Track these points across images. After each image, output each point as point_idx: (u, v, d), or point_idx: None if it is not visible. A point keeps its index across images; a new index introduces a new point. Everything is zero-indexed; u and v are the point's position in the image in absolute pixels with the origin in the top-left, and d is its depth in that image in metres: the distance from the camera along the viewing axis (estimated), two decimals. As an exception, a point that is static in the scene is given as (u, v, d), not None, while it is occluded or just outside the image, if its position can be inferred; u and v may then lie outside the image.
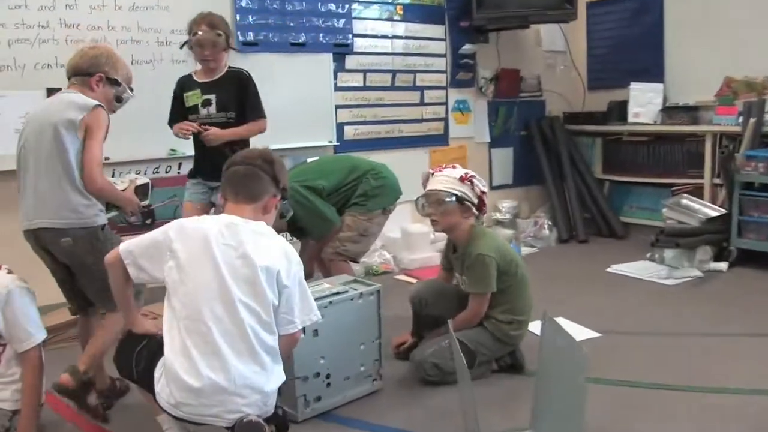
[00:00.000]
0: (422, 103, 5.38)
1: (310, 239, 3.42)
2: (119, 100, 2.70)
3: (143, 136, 4.02)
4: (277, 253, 2.05)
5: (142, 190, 2.79)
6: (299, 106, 4.69)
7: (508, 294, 2.87)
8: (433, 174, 2.91)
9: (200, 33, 3.23)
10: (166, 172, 4.29)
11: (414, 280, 4.55)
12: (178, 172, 4.31)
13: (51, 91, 3.70)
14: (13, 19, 3.67)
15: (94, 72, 2.60)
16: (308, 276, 3.48)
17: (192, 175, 3.49)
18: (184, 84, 3.43)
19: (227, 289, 1.96)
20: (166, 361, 1.95)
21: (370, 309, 2.71)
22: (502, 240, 3.04)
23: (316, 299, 2.52)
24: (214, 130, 3.26)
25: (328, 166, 3.39)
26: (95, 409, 2.58)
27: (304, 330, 2.40)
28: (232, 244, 2.01)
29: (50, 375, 2.49)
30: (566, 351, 1.95)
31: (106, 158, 3.82)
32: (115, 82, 2.65)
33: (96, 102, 2.54)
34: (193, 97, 3.39)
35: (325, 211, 3.24)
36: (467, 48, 5.50)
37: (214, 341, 1.92)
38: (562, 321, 3.44)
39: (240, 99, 3.39)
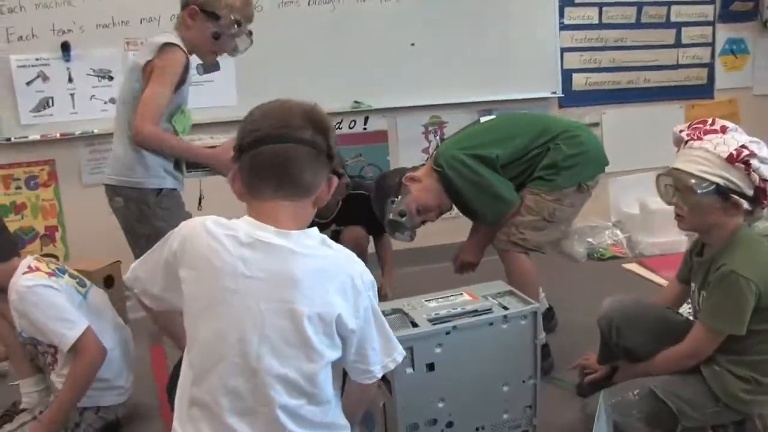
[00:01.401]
0: (678, 45, 4.30)
1: (480, 223, 2.67)
2: (217, 36, 2.26)
3: (321, 86, 3.59)
4: (334, 285, 1.33)
5: None
6: (514, 49, 3.96)
7: (759, 341, 1.87)
8: (686, 142, 1.93)
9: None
10: (350, 128, 3.83)
11: (649, 275, 3.63)
12: (364, 128, 3.84)
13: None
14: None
15: (186, 4, 2.24)
16: (472, 267, 2.74)
17: None
18: None
19: (251, 354, 1.28)
20: (174, 424, 1.36)
21: (521, 337, 1.93)
22: None
23: (440, 319, 1.86)
24: None
25: (506, 129, 2.56)
26: None
27: (413, 364, 1.76)
28: (262, 277, 1.30)
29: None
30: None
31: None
32: (212, 16, 2.22)
33: (165, 40, 2.17)
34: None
35: (499, 188, 2.45)
36: (747, -33, 4.27)
37: (228, 425, 1.29)
38: None
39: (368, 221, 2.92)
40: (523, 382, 1.97)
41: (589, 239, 4.01)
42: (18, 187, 3.50)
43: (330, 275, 1.33)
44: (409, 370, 1.81)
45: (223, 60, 3.56)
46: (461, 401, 1.89)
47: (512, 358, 1.94)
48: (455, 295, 2.03)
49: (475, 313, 1.90)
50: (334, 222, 2.89)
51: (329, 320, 1.31)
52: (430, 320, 1.86)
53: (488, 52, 3.88)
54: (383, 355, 1.44)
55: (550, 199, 2.45)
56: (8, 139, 3.37)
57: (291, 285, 1.30)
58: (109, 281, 3.05)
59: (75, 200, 3.54)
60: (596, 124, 4.16)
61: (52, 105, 3.40)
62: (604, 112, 4.17)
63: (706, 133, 1.92)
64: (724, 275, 1.85)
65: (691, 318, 2.12)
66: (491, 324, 1.89)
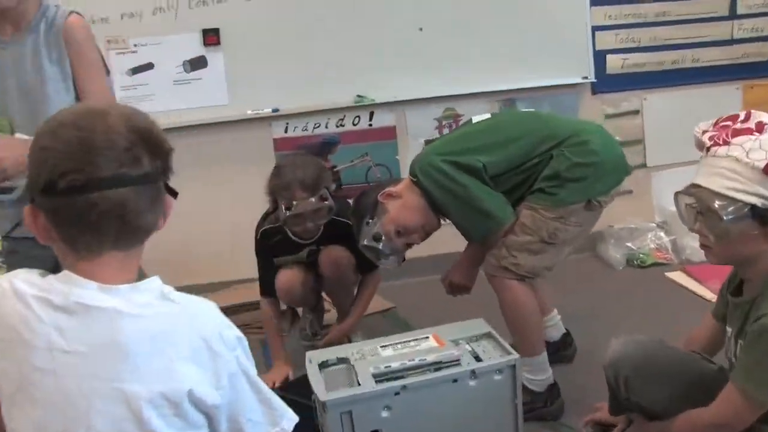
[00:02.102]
0: (733, 16, 3.75)
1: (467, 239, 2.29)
2: None
3: (320, 80, 3.32)
4: (181, 352, 1.01)
5: None
6: (538, 30, 3.52)
7: None
8: (708, 148, 1.49)
9: (296, 203, 2.33)
10: (354, 125, 3.48)
11: (694, 286, 3.12)
12: (370, 124, 3.49)
13: (206, 33, 3.22)
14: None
15: None
16: (465, 290, 2.36)
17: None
18: (279, 248, 2.56)
19: None
20: None
21: (496, 396, 1.56)
22: None
23: (389, 374, 1.51)
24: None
25: (501, 133, 2.13)
26: None
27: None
28: (83, 351, 0.99)
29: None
30: None
31: (275, 110, 3.26)
32: None
33: None
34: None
35: (487, 201, 2.04)
36: None
37: None
38: None
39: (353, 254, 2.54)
40: (501, 450, 1.60)
41: (628, 243, 3.54)
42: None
43: (173, 339, 1.01)
44: (339, 435, 1.47)
45: (212, 56, 3.36)
46: (416, 477, 1.54)
47: (485, 422, 1.57)
48: (419, 339, 1.66)
49: (437, 365, 1.54)
50: (314, 243, 2.54)
51: (177, 399, 0.99)
52: (375, 376, 1.51)
53: (508, 34, 3.46)
54: (267, 425, 1.12)
55: (551, 217, 2.03)
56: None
57: (120, 358, 0.98)
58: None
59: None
60: (636, 112, 3.70)
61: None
62: (645, 97, 3.70)
63: (736, 134, 1.47)
64: (765, 329, 1.42)
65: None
66: (455, 381, 1.52)
